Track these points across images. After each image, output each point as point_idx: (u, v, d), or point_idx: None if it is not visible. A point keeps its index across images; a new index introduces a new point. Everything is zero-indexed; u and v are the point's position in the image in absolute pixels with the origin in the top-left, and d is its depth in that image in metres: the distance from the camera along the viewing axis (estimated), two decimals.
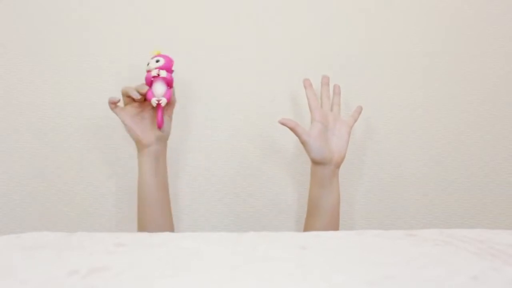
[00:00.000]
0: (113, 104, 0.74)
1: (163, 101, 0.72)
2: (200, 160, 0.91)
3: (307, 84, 0.80)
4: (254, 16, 0.94)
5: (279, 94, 0.93)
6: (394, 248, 0.42)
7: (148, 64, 0.74)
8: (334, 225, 0.78)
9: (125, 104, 0.76)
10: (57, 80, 0.91)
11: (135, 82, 0.91)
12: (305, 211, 0.83)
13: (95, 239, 0.45)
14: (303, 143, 0.76)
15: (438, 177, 0.93)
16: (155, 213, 0.75)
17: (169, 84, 0.74)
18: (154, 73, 0.72)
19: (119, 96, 0.75)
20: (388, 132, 0.93)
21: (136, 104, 0.76)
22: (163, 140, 0.77)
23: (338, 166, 0.77)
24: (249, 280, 0.34)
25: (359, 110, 0.82)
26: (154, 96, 0.72)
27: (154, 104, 0.72)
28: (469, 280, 0.34)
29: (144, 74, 0.75)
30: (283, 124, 0.76)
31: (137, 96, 0.72)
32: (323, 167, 0.76)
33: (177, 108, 0.94)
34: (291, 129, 0.76)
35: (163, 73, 0.73)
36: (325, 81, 0.82)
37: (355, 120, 0.81)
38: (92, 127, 0.91)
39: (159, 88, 0.73)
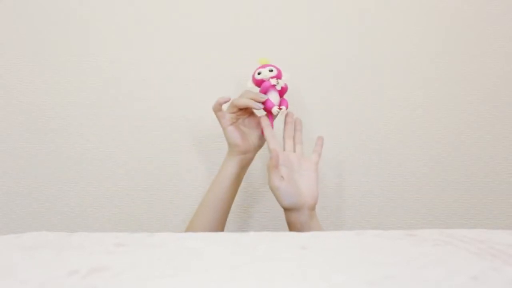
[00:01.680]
0: (220, 105, 0.74)
1: (283, 110, 0.74)
2: (200, 159, 0.91)
3: (265, 124, 0.75)
4: (253, 16, 0.94)
5: None
6: (394, 248, 0.42)
7: (259, 73, 0.74)
8: None
9: (229, 112, 0.75)
10: (57, 80, 0.91)
11: (135, 82, 0.92)
12: None
13: (95, 239, 0.45)
14: (273, 188, 0.70)
15: (438, 177, 0.93)
16: (214, 217, 0.75)
17: (282, 93, 0.75)
18: (273, 82, 0.73)
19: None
20: (388, 132, 0.93)
21: (236, 111, 0.75)
22: (256, 150, 0.78)
23: (312, 208, 0.72)
24: (249, 280, 0.34)
25: (321, 142, 0.78)
26: (273, 104, 0.73)
27: (276, 113, 0.73)
28: (469, 280, 0.34)
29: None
30: (272, 155, 0.70)
31: (260, 107, 0.72)
32: (297, 213, 0.71)
33: (176, 108, 0.94)
34: (269, 167, 0.70)
35: (281, 83, 0.74)
36: (289, 119, 0.78)
37: (320, 155, 0.76)
38: (92, 127, 0.91)
39: (274, 97, 0.74)
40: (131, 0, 0.93)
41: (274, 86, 0.73)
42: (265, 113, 0.76)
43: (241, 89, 0.93)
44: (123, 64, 0.92)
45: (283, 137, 0.78)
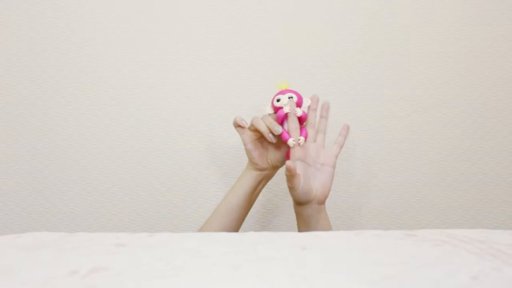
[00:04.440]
0: (239, 127, 0.73)
1: (302, 141, 0.69)
2: (200, 159, 0.91)
3: (290, 113, 0.71)
4: (254, 16, 0.94)
5: None
6: (394, 248, 0.42)
7: (279, 101, 0.71)
8: None
9: (250, 129, 0.73)
10: (57, 80, 0.91)
11: (136, 82, 0.92)
12: None
13: (95, 239, 0.45)
14: (292, 188, 0.69)
15: (438, 177, 0.93)
16: (226, 224, 0.74)
17: (301, 121, 0.72)
18: (286, 110, 0.70)
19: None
20: (388, 132, 0.93)
21: (255, 130, 0.73)
22: (276, 169, 0.76)
23: (321, 203, 0.71)
24: (250, 280, 0.34)
25: (345, 132, 0.75)
26: (289, 136, 0.69)
27: (292, 145, 0.69)
28: (469, 280, 0.34)
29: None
30: (289, 168, 0.67)
31: (273, 140, 0.70)
32: (305, 207, 0.71)
33: (176, 108, 0.94)
34: (290, 177, 0.67)
35: (299, 112, 0.71)
36: (313, 106, 0.74)
37: (341, 147, 0.74)
38: (92, 127, 0.91)
39: (294, 124, 0.70)
40: (131, 0, 0.93)
41: (288, 114, 0.70)
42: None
43: (237, 90, 0.93)
44: (123, 64, 0.92)
45: (306, 125, 0.75)
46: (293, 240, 0.44)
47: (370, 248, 0.42)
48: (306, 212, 0.71)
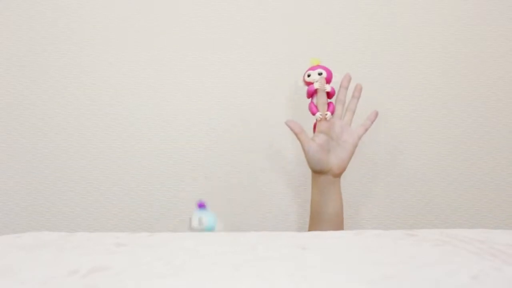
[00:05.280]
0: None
1: (328, 116, 0.73)
2: (199, 159, 0.91)
3: (319, 89, 0.74)
4: (254, 16, 0.94)
5: (279, 96, 0.93)
6: (394, 248, 0.42)
7: (309, 76, 0.74)
8: None
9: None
10: (57, 80, 0.91)
11: (135, 82, 0.92)
12: (304, 212, 0.83)
13: (95, 239, 0.45)
14: (304, 151, 0.74)
15: (438, 177, 0.93)
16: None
17: (330, 96, 0.75)
18: (316, 85, 0.73)
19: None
20: (388, 132, 0.93)
21: None
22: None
23: (336, 176, 0.75)
24: (249, 279, 0.34)
25: (373, 118, 0.78)
26: (317, 110, 0.73)
27: (318, 119, 0.73)
28: (469, 280, 0.34)
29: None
30: (289, 126, 0.75)
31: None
32: (320, 175, 0.75)
33: (176, 107, 0.94)
34: (296, 134, 0.74)
35: (328, 88, 0.73)
36: (344, 84, 0.77)
37: (366, 129, 0.77)
38: (92, 127, 0.91)
39: (323, 99, 0.73)
40: (132, 0, 0.93)
41: (318, 90, 0.73)
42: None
43: (237, 90, 0.93)
44: (123, 64, 0.92)
45: (336, 100, 0.77)
46: (293, 240, 0.44)
47: (370, 248, 0.42)
48: (321, 180, 0.75)
